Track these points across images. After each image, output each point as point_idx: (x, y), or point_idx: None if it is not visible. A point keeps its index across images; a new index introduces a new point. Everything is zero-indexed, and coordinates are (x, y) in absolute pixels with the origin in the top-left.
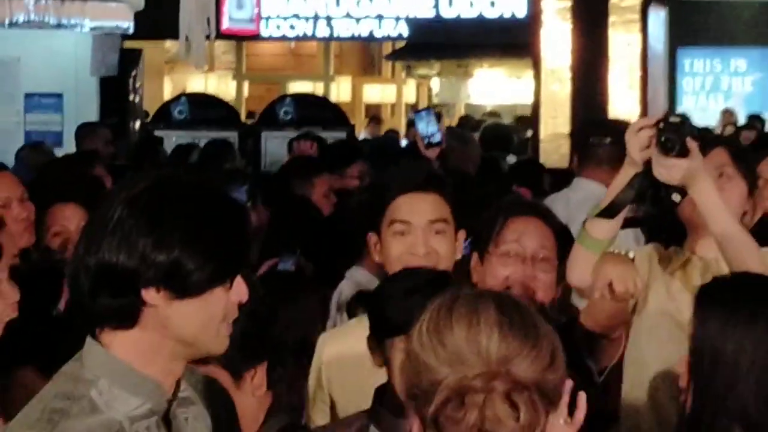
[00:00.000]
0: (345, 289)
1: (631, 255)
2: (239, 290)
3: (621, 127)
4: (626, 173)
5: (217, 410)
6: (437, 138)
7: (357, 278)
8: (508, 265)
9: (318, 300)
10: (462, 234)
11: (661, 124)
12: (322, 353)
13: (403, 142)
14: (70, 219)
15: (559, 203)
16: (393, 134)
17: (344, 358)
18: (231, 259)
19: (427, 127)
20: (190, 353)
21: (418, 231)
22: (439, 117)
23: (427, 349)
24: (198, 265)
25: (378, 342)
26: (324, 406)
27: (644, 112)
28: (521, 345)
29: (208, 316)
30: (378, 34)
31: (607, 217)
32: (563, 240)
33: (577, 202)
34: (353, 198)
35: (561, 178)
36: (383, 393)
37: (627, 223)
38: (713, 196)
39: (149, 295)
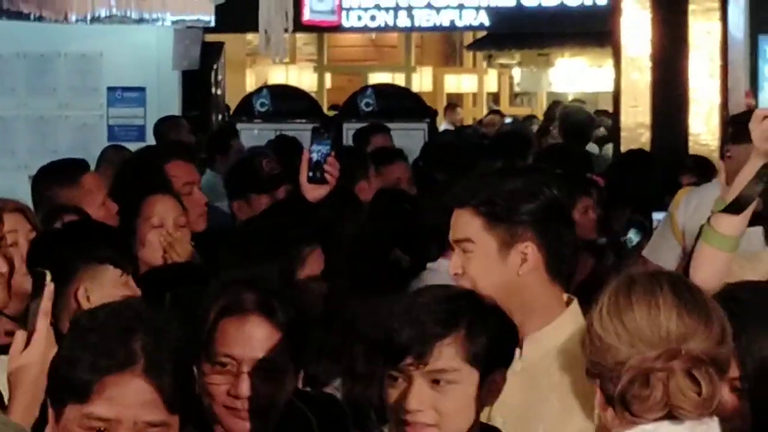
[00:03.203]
0: (427, 279)
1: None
2: None
3: None
4: (753, 165)
5: None
6: None
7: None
8: None
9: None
10: None
11: None
12: None
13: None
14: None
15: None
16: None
17: None
18: None
19: None
20: None
21: None
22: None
23: (609, 331)
24: None
25: None
26: None
27: (725, 101)
28: (696, 323)
29: None
30: (459, 24)
31: (734, 212)
32: None
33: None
34: (436, 188)
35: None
36: None
37: (754, 220)
38: None
39: None
